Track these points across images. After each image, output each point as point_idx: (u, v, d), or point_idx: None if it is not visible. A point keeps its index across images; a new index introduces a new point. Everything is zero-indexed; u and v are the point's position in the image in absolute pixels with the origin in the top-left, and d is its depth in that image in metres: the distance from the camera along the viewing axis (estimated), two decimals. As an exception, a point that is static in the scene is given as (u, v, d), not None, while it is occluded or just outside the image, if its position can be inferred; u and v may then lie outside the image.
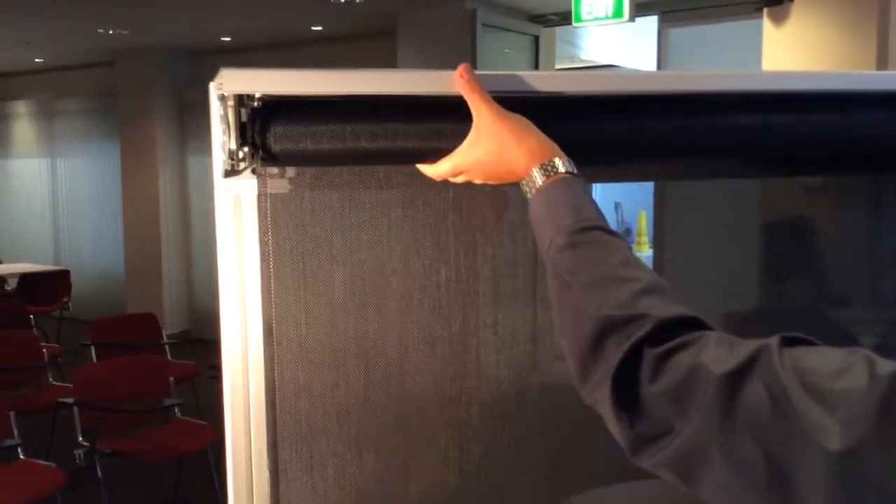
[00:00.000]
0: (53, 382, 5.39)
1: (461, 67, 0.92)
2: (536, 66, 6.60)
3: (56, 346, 6.46)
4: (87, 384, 4.39)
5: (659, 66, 5.94)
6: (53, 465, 3.94)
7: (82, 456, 4.16)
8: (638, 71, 5.63)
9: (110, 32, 7.50)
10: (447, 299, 1.11)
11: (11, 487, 3.73)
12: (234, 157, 0.92)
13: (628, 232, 10.70)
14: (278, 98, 0.92)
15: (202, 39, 7.95)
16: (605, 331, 0.75)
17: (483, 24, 6.17)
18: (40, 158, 10.32)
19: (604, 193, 9.98)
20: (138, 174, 8.81)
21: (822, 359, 0.66)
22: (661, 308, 0.74)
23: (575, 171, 0.89)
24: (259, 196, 0.96)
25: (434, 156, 0.95)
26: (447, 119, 0.93)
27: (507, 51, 6.56)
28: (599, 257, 0.81)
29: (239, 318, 0.99)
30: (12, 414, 4.01)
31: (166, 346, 5.87)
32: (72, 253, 9.99)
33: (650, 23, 5.99)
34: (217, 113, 0.91)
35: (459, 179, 0.96)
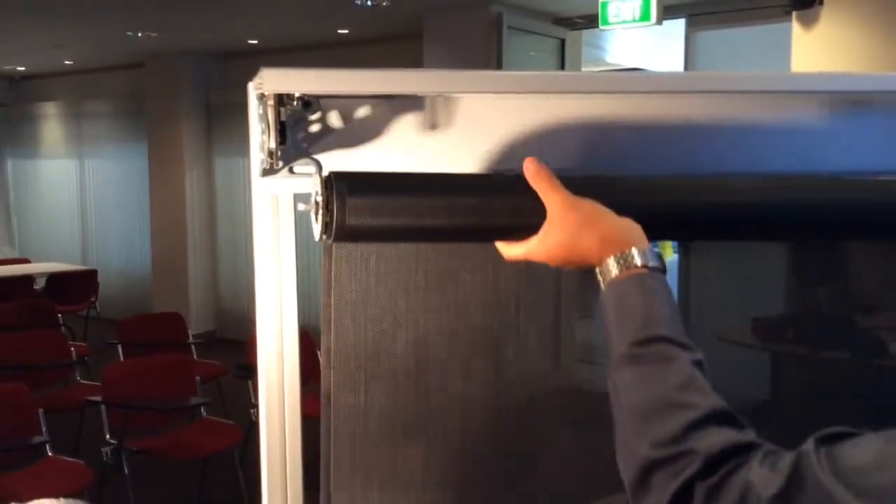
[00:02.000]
0: (81, 381, 5.44)
1: (528, 158, 0.90)
2: (562, 70, 6.59)
3: (83, 344, 6.51)
4: (115, 383, 4.43)
5: (686, 70, 5.91)
6: (81, 462, 3.98)
7: (109, 454, 4.19)
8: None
9: (139, 35, 7.57)
10: (505, 295, 1.10)
11: (40, 484, 3.77)
12: (273, 157, 0.92)
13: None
14: (352, 173, 0.88)
15: (230, 42, 8.00)
16: (652, 467, 0.75)
17: (509, 27, 6.16)
18: (69, 159, 10.43)
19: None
20: (165, 175, 8.88)
21: (860, 452, 0.67)
22: (710, 439, 0.74)
23: (651, 264, 0.85)
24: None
25: (513, 234, 0.92)
26: (528, 196, 0.90)
27: (533, 53, 6.55)
28: (658, 377, 0.79)
29: (275, 317, 1.00)
30: (41, 412, 4.05)
31: (192, 346, 5.92)
32: (99, 253, 10.09)
33: (677, 26, 5.95)
34: (256, 112, 0.92)
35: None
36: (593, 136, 1.05)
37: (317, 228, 0.87)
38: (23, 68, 10.34)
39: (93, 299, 8.23)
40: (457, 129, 1.01)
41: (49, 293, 7.93)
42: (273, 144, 0.92)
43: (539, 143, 1.04)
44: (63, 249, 10.19)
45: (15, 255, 10.43)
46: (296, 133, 0.93)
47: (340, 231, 0.86)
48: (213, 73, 8.75)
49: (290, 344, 1.01)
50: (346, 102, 0.96)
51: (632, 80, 1.09)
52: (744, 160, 1.13)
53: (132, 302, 9.03)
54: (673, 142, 1.10)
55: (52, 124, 10.68)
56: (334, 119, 0.96)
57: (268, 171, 0.94)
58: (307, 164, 0.96)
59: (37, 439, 3.97)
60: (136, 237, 9.52)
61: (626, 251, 0.85)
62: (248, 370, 4.70)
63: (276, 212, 0.97)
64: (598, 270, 0.86)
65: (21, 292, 7.76)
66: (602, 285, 0.86)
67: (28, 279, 8.23)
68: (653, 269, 0.85)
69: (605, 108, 1.06)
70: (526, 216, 0.89)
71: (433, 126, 1.01)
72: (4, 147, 11.12)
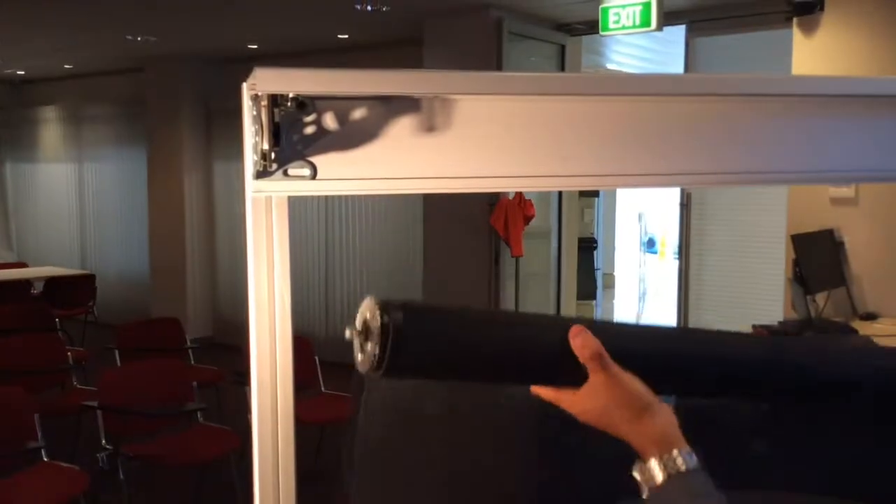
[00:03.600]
0: (78, 386, 5.41)
1: (573, 328, 0.87)
2: (562, 76, 6.58)
3: (81, 349, 6.49)
4: (112, 388, 4.41)
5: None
6: (77, 467, 3.95)
7: (105, 459, 4.18)
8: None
9: (139, 39, 7.57)
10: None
11: (35, 490, 3.75)
12: (267, 159, 0.90)
13: (651, 243, 10.68)
14: (408, 309, 0.87)
15: (229, 47, 8.00)
16: None
17: (509, 33, 6.16)
18: (68, 164, 10.43)
19: (627, 204, 9.95)
20: (164, 180, 8.88)
21: None
22: None
23: (693, 465, 0.85)
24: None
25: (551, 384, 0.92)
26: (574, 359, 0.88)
27: (533, 59, 6.55)
28: None
29: (268, 322, 0.98)
30: (37, 416, 4.02)
31: (190, 351, 5.90)
32: (98, 257, 10.08)
33: (678, 32, 5.95)
34: (249, 113, 0.90)
35: None
36: (592, 138, 1.04)
37: (360, 357, 0.87)
38: (23, 72, 10.34)
39: (91, 304, 8.21)
40: (454, 131, 0.99)
41: (47, 298, 7.92)
42: (267, 146, 0.90)
43: (537, 146, 1.02)
44: (61, 254, 10.18)
45: (13, 259, 10.42)
46: (290, 135, 0.91)
47: (389, 370, 0.85)
48: (212, 78, 8.74)
49: (284, 349, 0.99)
50: (341, 104, 0.94)
51: (631, 82, 1.07)
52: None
53: (130, 307, 9.01)
54: (671, 144, 1.08)
55: (51, 128, 10.67)
56: (329, 120, 0.94)
57: (261, 174, 0.92)
58: (302, 167, 0.94)
59: (32, 444, 3.94)
60: (135, 242, 9.51)
61: (668, 454, 0.84)
62: (244, 376, 4.67)
63: (270, 215, 0.95)
64: (636, 469, 0.86)
65: (19, 296, 7.75)
66: (644, 486, 0.85)
67: (26, 283, 8.22)
68: (694, 469, 0.84)
69: (602, 111, 1.04)
70: (568, 375, 0.88)
71: (430, 128, 0.99)
72: (3, 151, 11.12)
